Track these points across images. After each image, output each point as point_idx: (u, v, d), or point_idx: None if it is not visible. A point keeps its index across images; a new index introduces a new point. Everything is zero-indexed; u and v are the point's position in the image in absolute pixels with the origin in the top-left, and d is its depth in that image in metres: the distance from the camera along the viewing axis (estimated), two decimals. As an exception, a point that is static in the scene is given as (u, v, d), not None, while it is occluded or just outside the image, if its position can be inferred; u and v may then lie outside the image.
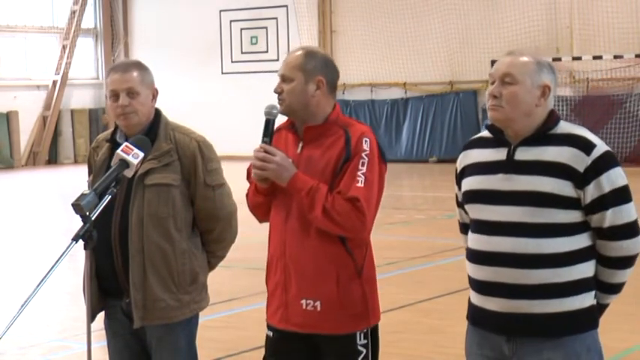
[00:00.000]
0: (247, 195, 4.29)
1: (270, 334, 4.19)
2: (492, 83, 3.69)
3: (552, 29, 22.72)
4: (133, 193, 4.41)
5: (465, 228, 3.92)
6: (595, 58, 21.64)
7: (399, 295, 9.07)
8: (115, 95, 4.44)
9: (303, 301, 4.04)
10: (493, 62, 22.33)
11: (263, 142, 4.05)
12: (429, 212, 15.53)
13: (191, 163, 4.49)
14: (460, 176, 3.85)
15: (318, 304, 4.03)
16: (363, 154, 4.01)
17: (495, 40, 23.08)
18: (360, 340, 4.09)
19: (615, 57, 21.59)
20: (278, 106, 4.10)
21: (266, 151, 4.01)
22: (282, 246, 4.08)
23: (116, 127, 4.59)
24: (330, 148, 4.05)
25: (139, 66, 4.53)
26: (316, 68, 4.10)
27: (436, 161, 24.07)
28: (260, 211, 4.23)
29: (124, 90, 4.43)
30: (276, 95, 4.16)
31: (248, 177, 4.28)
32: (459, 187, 3.86)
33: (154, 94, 4.54)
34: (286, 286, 4.08)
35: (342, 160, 4.01)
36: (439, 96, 24.35)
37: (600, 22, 22.16)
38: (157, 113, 4.56)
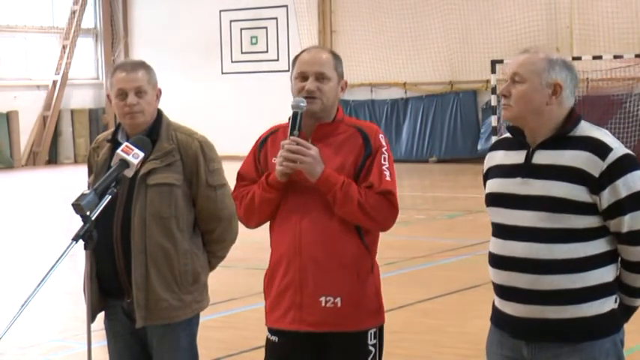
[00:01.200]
0: (241, 196, 4.22)
1: (275, 339, 4.15)
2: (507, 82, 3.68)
3: (552, 29, 22.72)
4: (136, 193, 4.41)
5: None
6: (595, 58, 21.63)
7: (399, 295, 9.06)
8: (122, 94, 4.44)
9: (322, 299, 4.03)
10: (493, 62, 22.15)
11: (292, 135, 4.03)
12: (429, 212, 15.54)
13: (193, 163, 4.50)
14: (485, 178, 3.83)
15: (338, 300, 4.03)
16: (383, 150, 4.10)
17: (495, 40, 23.08)
18: (370, 339, 4.10)
19: (615, 57, 21.58)
20: (304, 99, 4.07)
21: (299, 144, 4.01)
22: (297, 245, 4.05)
23: (117, 127, 4.60)
24: (343, 146, 4.09)
25: (146, 66, 4.54)
26: (342, 70, 4.20)
27: (436, 161, 24.07)
28: (267, 210, 4.15)
29: (133, 89, 4.43)
30: (302, 93, 4.09)
31: (239, 179, 4.26)
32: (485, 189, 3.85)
33: (158, 95, 4.56)
34: (301, 285, 4.06)
35: (364, 157, 4.07)
36: (439, 96, 24.36)
37: (600, 22, 22.16)
38: (159, 113, 4.57)
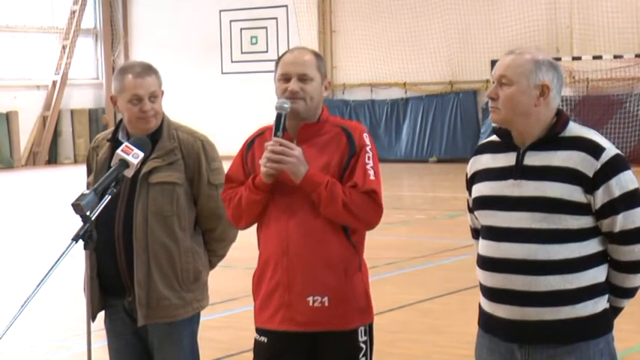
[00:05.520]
0: (229, 198, 4.20)
1: (264, 339, 4.14)
2: (494, 84, 3.66)
3: (552, 29, 22.73)
4: (138, 191, 4.43)
5: (476, 233, 3.88)
6: (595, 58, 21.65)
7: (399, 295, 9.07)
8: (137, 99, 4.45)
9: (310, 298, 4.04)
10: (493, 62, 22.20)
11: (276, 135, 4.03)
12: (429, 212, 15.53)
13: (195, 162, 4.52)
14: (470, 182, 3.82)
15: (326, 299, 4.04)
16: (367, 149, 4.10)
17: (495, 40, 23.09)
18: (361, 336, 4.11)
19: (615, 57, 21.60)
20: (288, 101, 4.07)
21: (282, 145, 4.01)
22: (285, 245, 4.06)
23: (117, 127, 4.60)
24: (328, 146, 4.09)
25: (154, 69, 4.57)
26: (325, 70, 4.21)
27: (436, 161, 24.08)
28: (254, 211, 4.14)
29: (148, 95, 4.45)
30: (288, 94, 4.10)
31: (228, 181, 4.25)
32: (470, 193, 3.82)
33: (162, 96, 4.59)
34: (289, 285, 4.06)
35: (348, 156, 4.07)
36: (439, 96, 24.36)
37: (600, 22, 22.17)
38: None
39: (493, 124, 3.75)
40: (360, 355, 4.10)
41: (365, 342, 4.12)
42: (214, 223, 4.57)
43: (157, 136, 4.50)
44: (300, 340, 4.09)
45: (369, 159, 4.08)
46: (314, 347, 4.11)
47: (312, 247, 4.03)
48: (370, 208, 4.05)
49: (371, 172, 4.06)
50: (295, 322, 4.06)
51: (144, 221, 4.42)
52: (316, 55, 4.20)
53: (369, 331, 4.16)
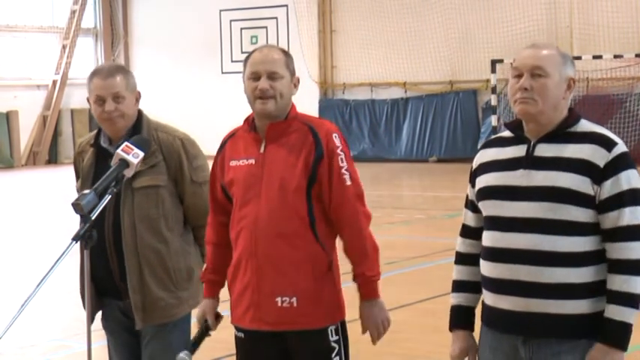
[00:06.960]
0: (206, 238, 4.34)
1: (242, 335, 4.18)
2: (517, 77, 3.63)
3: (552, 29, 22.73)
4: (123, 197, 4.43)
5: (464, 230, 3.87)
6: (595, 57, 21.64)
7: (399, 295, 9.07)
8: (100, 100, 4.45)
9: (279, 299, 4.05)
10: (493, 62, 22.03)
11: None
12: (429, 212, 15.53)
13: (176, 162, 4.52)
14: (474, 174, 3.80)
15: (294, 300, 4.05)
16: (338, 151, 4.07)
17: (495, 40, 23.09)
18: (332, 336, 4.11)
19: (615, 57, 21.59)
20: (189, 354, 4.17)
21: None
22: (254, 246, 4.06)
23: (99, 131, 4.60)
24: (296, 146, 4.07)
25: (123, 70, 4.54)
26: (294, 67, 4.19)
27: (436, 161, 24.07)
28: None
29: (110, 95, 4.43)
30: (258, 93, 4.11)
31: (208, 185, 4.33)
32: (473, 185, 3.81)
33: (138, 98, 4.57)
34: (258, 285, 4.08)
35: (314, 158, 4.04)
36: (439, 96, 24.36)
37: (600, 22, 22.17)
38: (140, 114, 4.59)
39: (504, 123, 3.76)
40: (333, 355, 4.10)
41: (337, 341, 4.12)
42: (202, 220, 4.55)
43: None
44: (271, 339, 4.11)
45: (342, 161, 4.06)
46: (288, 346, 4.13)
47: (280, 249, 4.04)
48: (362, 219, 4.10)
49: (346, 176, 4.05)
50: (264, 321, 4.09)
51: (131, 226, 4.44)
52: (285, 53, 4.18)
53: (342, 331, 4.15)
